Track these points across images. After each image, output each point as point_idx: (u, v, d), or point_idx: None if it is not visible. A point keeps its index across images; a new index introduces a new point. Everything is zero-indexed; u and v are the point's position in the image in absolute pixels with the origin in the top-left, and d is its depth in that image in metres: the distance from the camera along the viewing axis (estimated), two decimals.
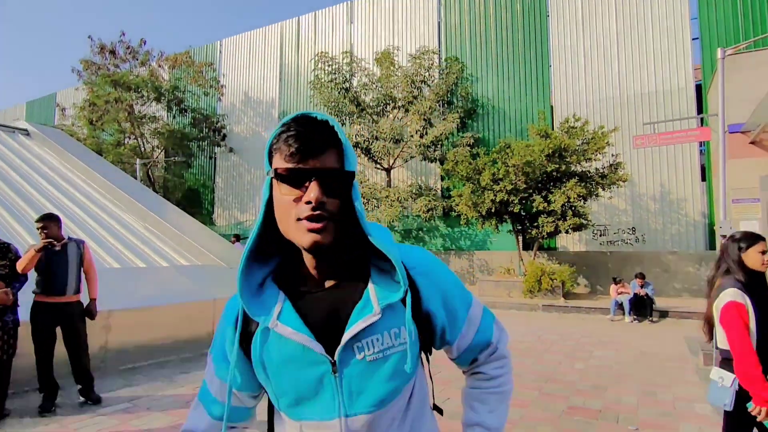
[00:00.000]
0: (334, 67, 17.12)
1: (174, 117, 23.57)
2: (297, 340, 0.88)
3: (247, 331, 0.94)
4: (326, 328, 0.90)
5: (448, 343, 1.03)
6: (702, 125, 12.31)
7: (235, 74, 23.87)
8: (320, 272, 0.92)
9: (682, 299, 12.29)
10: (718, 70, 6.67)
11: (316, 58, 17.28)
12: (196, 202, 23.61)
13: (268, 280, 0.96)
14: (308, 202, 0.82)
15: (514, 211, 12.39)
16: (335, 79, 17.10)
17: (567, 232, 12.10)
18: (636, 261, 13.19)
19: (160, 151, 23.76)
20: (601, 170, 12.39)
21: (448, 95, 17.23)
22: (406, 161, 17.25)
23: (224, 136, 23.25)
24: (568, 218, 11.64)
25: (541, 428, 3.92)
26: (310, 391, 0.90)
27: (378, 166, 17.12)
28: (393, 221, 15.05)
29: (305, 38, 21.91)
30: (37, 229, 4.27)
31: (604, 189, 12.25)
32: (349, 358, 0.89)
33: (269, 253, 0.97)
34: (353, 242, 0.93)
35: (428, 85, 16.70)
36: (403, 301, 0.92)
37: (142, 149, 23.04)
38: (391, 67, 16.72)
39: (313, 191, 0.82)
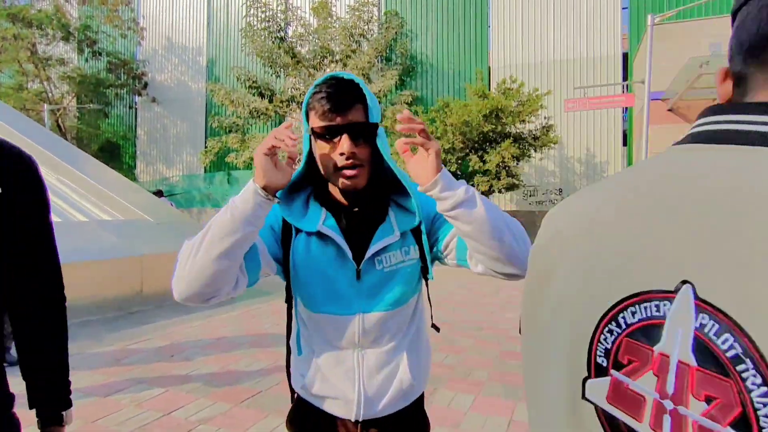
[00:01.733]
0: (268, 14, 16.12)
1: (86, 60, 21.32)
2: (336, 242, 1.09)
3: (286, 235, 1.14)
4: (354, 241, 1.11)
5: (444, 238, 1.15)
6: (627, 92, 12.99)
7: (156, 16, 21.87)
8: (351, 200, 1.13)
9: None
10: (647, 36, 6.97)
11: (249, 2, 16.17)
12: (115, 156, 21.85)
13: (311, 200, 1.16)
14: (342, 153, 1.02)
15: (451, 170, 12.59)
16: (269, 27, 16.14)
17: (500, 191, 12.52)
18: None
19: (71, 98, 21.56)
20: (534, 132, 12.81)
21: (387, 51, 16.88)
22: None
23: (146, 84, 21.47)
24: (501, 178, 12.02)
25: (477, 372, 4.08)
26: (336, 289, 1.10)
27: None
28: None
29: None
30: None
31: (536, 150, 12.72)
32: (371, 268, 1.11)
33: (300, 185, 1.18)
34: (379, 178, 1.14)
35: (367, 39, 16.24)
36: (416, 228, 1.14)
37: (50, 95, 20.78)
38: (329, 18, 16.03)
39: (345, 144, 1.01)
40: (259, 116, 16.37)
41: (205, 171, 20.24)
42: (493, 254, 0.99)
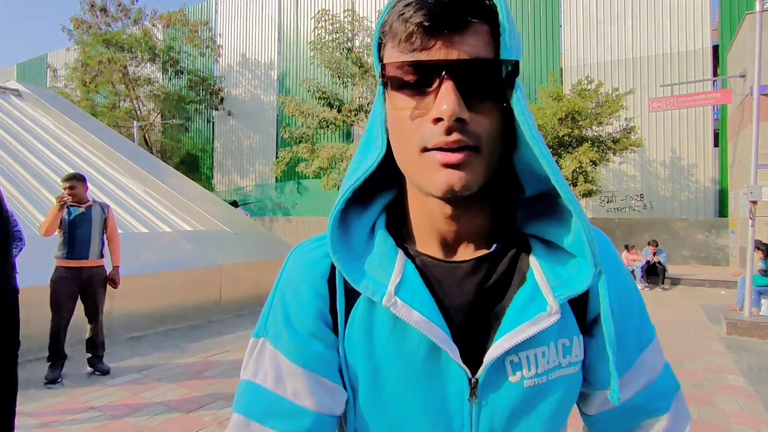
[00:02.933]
0: (336, 26, 16.41)
1: (170, 79, 22.83)
2: (424, 332, 0.55)
3: (336, 303, 0.61)
4: (467, 325, 0.58)
5: (594, 385, 0.64)
6: (721, 88, 11.87)
7: (231, 34, 23.01)
8: (458, 233, 0.59)
9: (690, 266, 12.17)
10: (745, 25, 6.26)
11: (317, 16, 16.55)
12: (194, 167, 23.17)
13: (378, 226, 0.62)
14: (438, 119, 0.49)
15: None
16: (337, 38, 16.42)
17: (577, 198, 11.85)
18: (644, 228, 13.01)
19: (156, 114, 23.16)
20: (614, 134, 12.03)
21: None
22: None
23: (222, 99, 22.61)
24: (579, 184, 11.36)
25: None
26: (425, 418, 0.58)
27: None
28: None
29: None
30: (63, 189, 4.04)
31: (615, 154, 11.92)
32: (499, 379, 0.57)
33: (374, 189, 0.64)
34: (511, 186, 0.62)
35: None
36: (576, 300, 0.59)
37: (138, 112, 22.44)
38: None
39: (445, 99, 0.48)
40: (328, 126, 16.67)
41: (277, 180, 20.91)
42: None
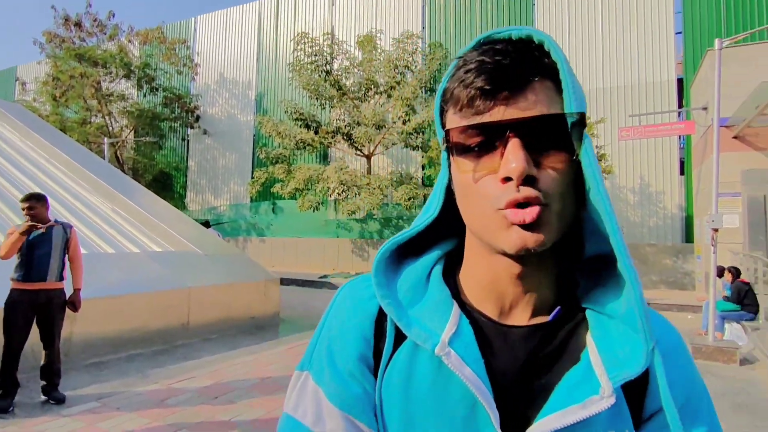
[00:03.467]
0: (315, 48, 16.56)
1: (144, 96, 22.58)
2: (472, 389, 0.51)
3: (380, 346, 0.59)
4: (512, 391, 0.54)
5: None
6: (686, 119, 12.37)
7: (210, 53, 22.98)
8: (515, 295, 0.56)
9: (659, 291, 12.44)
10: (707, 61, 6.57)
11: (297, 38, 16.69)
12: (167, 186, 22.77)
13: (434, 275, 0.61)
14: (507, 179, 0.48)
15: None
16: (316, 61, 16.55)
17: None
18: None
19: (129, 131, 22.78)
20: None
21: (432, 81, 16.91)
22: (387, 148, 16.92)
23: (198, 117, 22.44)
24: None
25: None
26: None
27: (358, 152, 16.75)
28: (373, 209, 14.76)
29: (285, 18, 21.21)
30: (23, 209, 3.86)
31: None
32: None
33: (432, 238, 0.64)
34: (578, 248, 0.59)
35: (411, 71, 16.34)
36: (635, 385, 0.53)
37: (110, 129, 22.03)
38: (374, 51, 16.29)
39: (513, 158, 0.47)
40: (305, 147, 16.67)
41: (251, 200, 20.68)
42: None
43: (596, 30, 15.40)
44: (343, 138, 16.25)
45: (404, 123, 15.26)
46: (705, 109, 10.50)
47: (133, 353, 5.66)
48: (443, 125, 0.56)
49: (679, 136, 13.76)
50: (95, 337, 5.40)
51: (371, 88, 16.52)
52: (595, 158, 0.51)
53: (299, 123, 16.52)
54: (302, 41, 16.57)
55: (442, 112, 0.57)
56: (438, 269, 0.61)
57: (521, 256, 0.51)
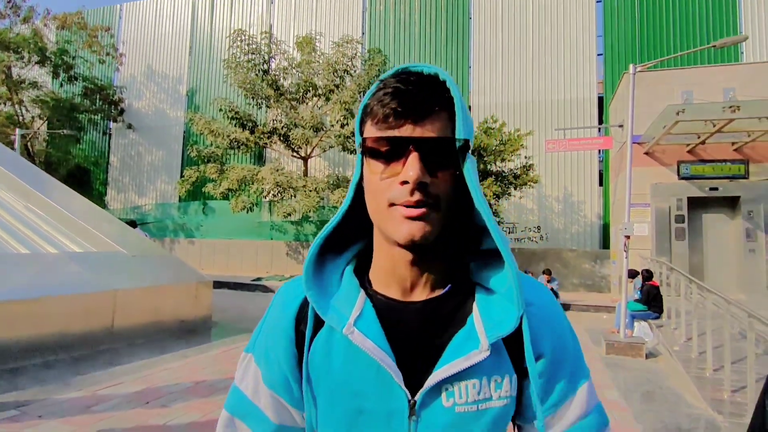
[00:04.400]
0: (252, 47, 16.20)
1: (61, 85, 20.91)
2: (375, 358, 0.66)
3: (302, 331, 0.73)
4: (412, 354, 0.68)
5: (529, 419, 0.73)
6: (604, 134, 13.41)
7: (137, 43, 21.77)
8: (413, 277, 0.71)
9: (579, 293, 13.35)
10: (624, 82, 7.22)
11: (233, 35, 16.24)
12: (85, 182, 21.19)
13: (347, 271, 0.75)
14: (405, 182, 0.62)
15: None
16: (253, 59, 16.19)
17: None
18: (540, 257, 14.10)
19: (42, 122, 21.01)
20: (515, 170, 13.02)
21: (369, 87, 17.08)
22: (325, 151, 16.86)
23: (122, 110, 21.15)
24: None
25: None
26: (372, 430, 0.68)
27: (295, 154, 16.56)
28: (309, 212, 14.65)
29: (221, 12, 20.58)
30: None
31: (516, 189, 12.89)
32: (434, 403, 0.67)
33: (348, 239, 0.78)
34: (461, 242, 0.75)
35: (350, 75, 16.44)
36: (514, 339, 0.68)
37: (21, 118, 20.20)
38: (313, 53, 16.21)
39: (411, 167, 0.62)
40: (239, 147, 16.21)
41: (180, 200, 19.79)
42: None
43: (527, 47, 16.32)
44: (279, 139, 16.00)
45: (342, 126, 15.29)
46: (621, 126, 11.47)
47: (52, 359, 5.25)
48: (362, 133, 0.70)
49: (599, 150, 14.91)
50: (9, 342, 4.96)
51: (309, 90, 16.41)
52: (475, 173, 0.67)
53: (234, 122, 16.06)
54: (239, 38, 16.16)
55: (362, 123, 0.70)
56: (350, 267, 0.76)
57: (412, 246, 0.66)
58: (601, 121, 15.20)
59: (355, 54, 16.50)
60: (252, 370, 0.77)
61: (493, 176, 12.50)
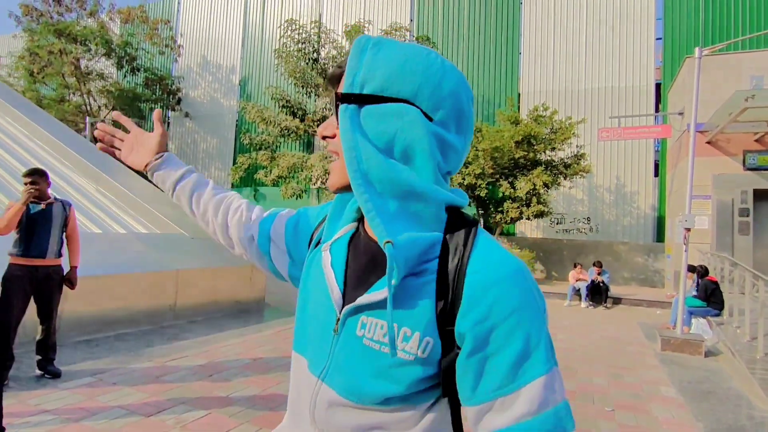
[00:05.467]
0: (303, 36, 16.48)
1: (125, 75, 22.04)
2: (326, 275, 0.79)
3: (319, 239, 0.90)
4: (355, 283, 0.77)
5: (463, 398, 0.71)
6: (662, 123, 12.82)
7: (193, 35, 22.57)
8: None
9: (630, 287, 12.94)
10: (685, 67, 6.88)
11: (285, 24, 16.56)
12: None
13: (352, 204, 0.86)
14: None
15: (481, 195, 12.51)
16: (303, 48, 16.47)
17: (529, 218, 12.37)
18: (590, 249, 13.73)
19: (108, 111, 22.24)
20: (565, 160, 12.69)
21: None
22: None
23: (179, 99, 22.06)
24: (532, 205, 11.90)
25: None
26: (316, 333, 0.80)
27: None
28: None
29: (272, 2, 20.97)
30: (25, 183, 3.85)
31: (566, 178, 12.57)
32: (352, 327, 0.74)
33: None
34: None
35: None
36: (446, 313, 0.69)
37: (89, 107, 21.48)
38: None
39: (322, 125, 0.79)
40: (290, 135, 16.61)
41: (233, 186, 20.52)
42: None
43: (580, 32, 15.75)
44: None
45: None
46: (681, 114, 10.93)
47: (122, 332, 5.69)
48: None
49: (655, 140, 14.26)
50: (85, 315, 5.41)
51: None
52: (373, 125, 0.73)
53: (285, 110, 16.45)
54: (290, 28, 16.46)
55: None
56: (355, 203, 0.84)
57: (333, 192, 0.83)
58: (658, 109, 14.52)
59: (404, 41, 16.45)
60: (294, 213, 1.01)
61: (543, 165, 12.24)
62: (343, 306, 0.75)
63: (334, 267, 0.79)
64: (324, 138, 0.79)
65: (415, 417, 0.72)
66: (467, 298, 0.67)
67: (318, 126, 12.52)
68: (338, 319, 0.75)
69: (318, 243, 0.87)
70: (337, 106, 0.74)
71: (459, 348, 0.68)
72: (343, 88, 0.73)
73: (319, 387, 0.76)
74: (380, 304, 0.70)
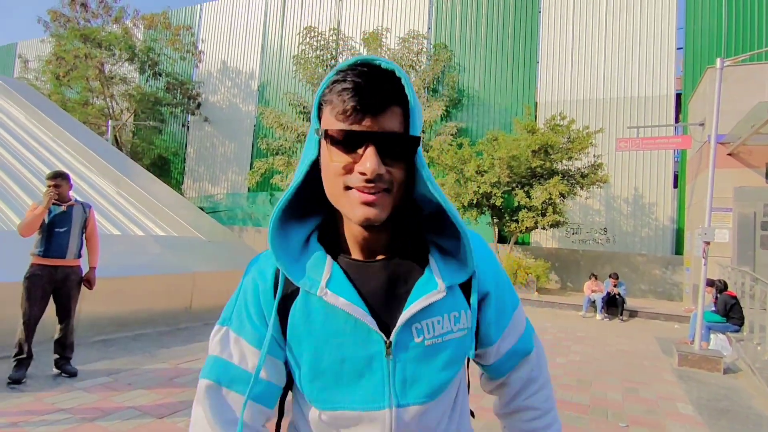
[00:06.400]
0: (321, 43, 16.65)
1: (147, 80, 22.51)
2: (350, 312, 0.76)
3: (284, 297, 0.81)
4: (381, 304, 0.79)
5: (488, 343, 0.92)
6: (683, 133, 12.63)
7: (214, 41, 22.95)
8: (373, 243, 0.81)
9: (647, 300, 12.71)
10: (716, 79, 6.77)
11: (304, 32, 16.76)
12: (165, 171, 22.74)
13: (312, 239, 0.84)
14: (362, 173, 0.70)
15: (496, 204, 12.44)
16: (321, 55, 16.64)
17: (545, 228, 12.26)
18: (606, 260, 13.54)
19: (130, 114, 22.72)
20: (582, 170, 12.57)
21: (435, 82, 17.08)
22: None
23: (199, 104, 22.41)
24: (548, 215, 11.79)
25: None
26: (355, 375, 0.78)
27: None
28: None
29: (291, 10, 21.23)
30: (48, 186, 3.98)
31: (582, 188, 12.45)
32: (406, 340, 0.79)
33: (307, 210, 0.86)
34: (413, 214, 0.85)
35: (415, 70, 16.49)
36: (466, 284, 0.84)
37: (111, 111, 21.96)
38: (379, 49, 16.41)
39: (368, 160, 0.69)
40: None
41: (249, 190, 20.74)
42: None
43: (599, 41, 15.63)
44: None
45: None
46: (702, 124, 10.76)
47: (139, 333, 5.78)
48: (319, 118, 0.76)
49: (675, 151, 14.05)
50: (102, 315, 5.51)
51: None
52: (424, 162, 0.76)
53: (302, 116, 16.60)
54: (308, 35, 16.65)
55: (320, 108, 0.76)
56: (314, 236, 0.84)
57: (366, 225, 0.74)
58: (678, 120, 14.30)
59: (421, 49, 16.52)
60: (232, 339, 0.83)
61: (560, 175, 12.13)
62: (389, 329, 0.78)
63: (352, 301, 0.77)
64: (378, 176, 0.71)
65: (455, 386, 0.88)
66: (481, 275, 0.87)
67: None
68: (387, 343, 0.77)
69: (285, 301, 0.81)
70: (399, 147, 0.73)
71: (480, 317, 0.89)
72: (414, 131, 0.74)
73: (394, 414, 0.78)
74: (426, 309, 0.79)
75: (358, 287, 0.79)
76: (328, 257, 0.80)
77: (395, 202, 0.74)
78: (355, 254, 0.82)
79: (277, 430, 0.91)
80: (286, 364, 0.83)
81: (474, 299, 0.83)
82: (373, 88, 0.69)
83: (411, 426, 0.79)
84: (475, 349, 0.91)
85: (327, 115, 0.73)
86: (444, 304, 0.80)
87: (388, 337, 0.78)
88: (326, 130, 0.72)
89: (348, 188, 0.72)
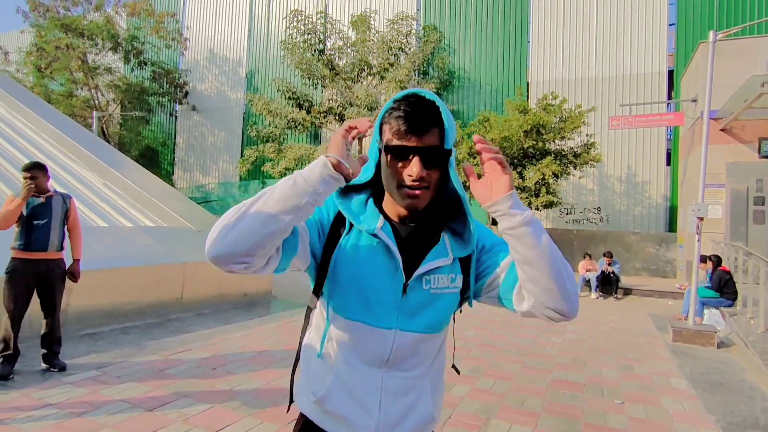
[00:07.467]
0: (308, 26, 16.35)
1: (132, 70, 22.08)
2: (392, 249, 1.06)
3: (334, 232, 1.11)
4: (406, 255, 1.08)
5: (495, 263, 1.12)
6: (675, 110, 12.56)
7: (199, 28, 22.51)
8: (408, 217, 1.11)
9: (641, 278, 12.76)
10: (708, 54, 6.68)
11: (290, 15, 16.44)
12: (154, 162, 22.44)
13: (369, 202, 1.14)
14: (410, 175, 1.00)
15: None
16: (309, 39, 16.35)
17: (538, 209, 12.21)
18: (600, 240, 13.55)
19: (116, 105, 22.33)
20: (575, 149, 12.50)
21: (425, 65, 16.86)
22: None
23: (186, 93, 22.06)
24: (541, 195, 11.74)
25: (530, 401, 3.89)
26: (377, 299, 1.06)
27: None
28: None
29: None
30: (24, 178, 3.83)
31: (575, 168, 12.38)
32: (418, 286, 1.08)
33: (359, 189, 1.17)
34: (439, 202, 1.13)
35: (405, 53, 16.26)
36: (465, 259, 1.13)
37: (97, 102, 21.57)
38: (368, 32, 16.14)
39: (415, 166, 0.99)
40: (296, 126, 16.54)
41: (241, 179, 20.55)
42: (550, 286, 0.97)
43: (590, 19, 15.45)
44: (335, 118, 16.17)
45: None
46: (694, 101, 10.69)
47: (128, 325, 5.69)
48: (381, 133, 1.06)
49: (667, 128, 13.99)
50: (90, 308, 5.42)
51: (364, 69, 16.40)
52: (454, 166, 1.04)
53: (291, 102, 16.37)
54: (295, 19, 16.34)
55: (381, 125, 1.05)
56: (371, 200, 1.14)
57: (410, 211, 1.07)
58: (670, 96, 14.22)
59: (410, 31, 16.27)
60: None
61: (552, 155, 12.06)
62: (409, 273, 1.07)
63: (395, 243, 1.07)
64: (421, 178, 1.00)
65: (442, 337, 1.18)
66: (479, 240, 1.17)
67: (323, 117, 12.46)
68: (405, 284, 1.06)
69: (337, 232, 1.11)
70: (436, 157, 1.01)
71: (489, 261, 1.15)
72: (447, 145, 1.02)
73: (397, 335, 1.07)
74: (436, 269, 1.09)
75: (396, 239, 1.09)
76: (381, 215, 1.11)
77: (432, 195, 1.05)
78: (397, 219, 1.12)
79: (306, 322, 1.21)
80: (313, 254, 1.10)
81: (473, 269, 1.13)
82: (419, 114, 0.99)
83: (407, 350, 1.09)
84: (484, 291, 1.15)
85: (386, 133, 1.03)
86: (448, 268, 1.10)
87: (407, 279, 1.06)
88: (386, 145, 1.02)
89: (399, 185, 1.02)
